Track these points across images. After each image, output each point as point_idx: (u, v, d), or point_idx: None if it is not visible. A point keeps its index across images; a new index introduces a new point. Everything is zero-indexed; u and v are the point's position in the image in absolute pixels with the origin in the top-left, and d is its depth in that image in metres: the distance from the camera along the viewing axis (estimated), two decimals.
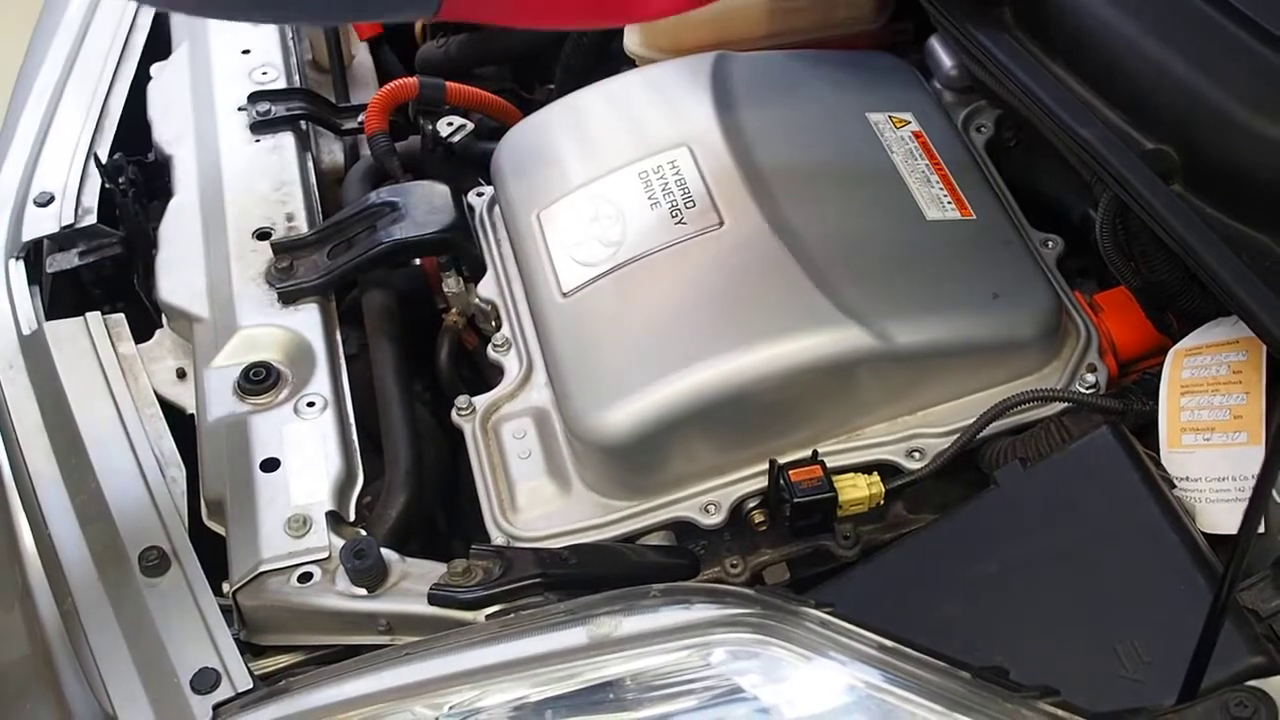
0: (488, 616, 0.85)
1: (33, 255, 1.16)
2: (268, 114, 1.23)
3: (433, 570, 0.89)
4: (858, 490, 0.93)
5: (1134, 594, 0.82)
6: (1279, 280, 0.83)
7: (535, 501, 0.96)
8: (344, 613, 0.89)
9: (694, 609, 0.76)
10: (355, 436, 0.99)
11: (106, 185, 1.19)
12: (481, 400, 1.01)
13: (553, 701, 0.75)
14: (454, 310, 1.13)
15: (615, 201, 1.02)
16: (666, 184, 1.01)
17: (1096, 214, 0.98)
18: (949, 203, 1.01)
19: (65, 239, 1.16)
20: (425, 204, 1.10)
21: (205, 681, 0.84)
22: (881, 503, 0.94)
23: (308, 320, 1.05)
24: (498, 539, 0.94)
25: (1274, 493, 0.82)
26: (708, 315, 0.95)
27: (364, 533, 0.93)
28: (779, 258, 0.95)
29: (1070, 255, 1.07)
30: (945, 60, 1.20)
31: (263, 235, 1.12)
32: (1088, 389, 0.97)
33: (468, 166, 1.22)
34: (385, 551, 0.89)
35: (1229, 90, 0.89)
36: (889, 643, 0.73)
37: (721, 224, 0.98)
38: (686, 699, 0.74)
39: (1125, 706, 0.73)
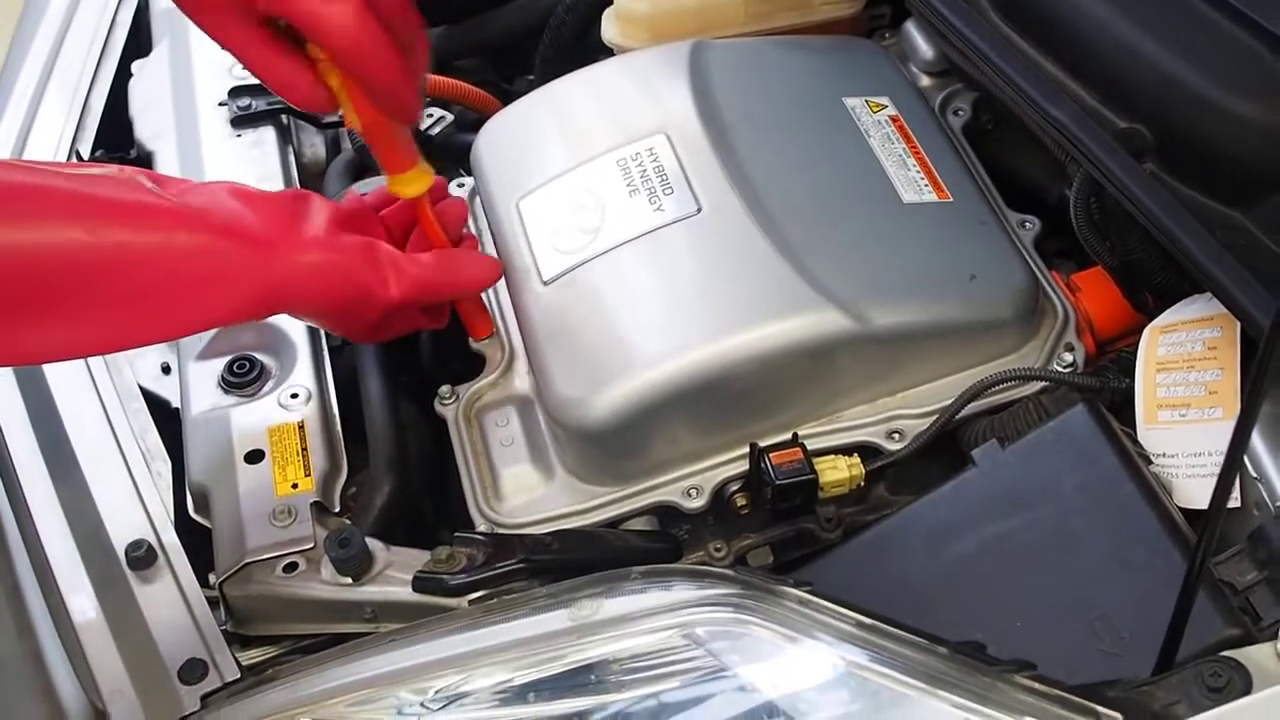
0: (471, 602, 0.85)
1: None
2: (249, 108, 1.23)
3: (417, 558, 0.89)
4: (838, 472, 0.93)
5: (1111, 569, 0.83)
6: (1252, 257, 0.84)
7: (518, 489, 0.97)
8: (329, 601, 0.89)
9: (674, 590, 0.77)
10: (339, 427, 1.00)
11: None
12: (464, 389, 1.02)
13: (536, 684, 0.75)
14: None
15: (594, 189, 1.02)
16: (645, 171, 1.02)
17: (1070, 194, 0.99)
18: (926, 186, 1.02)
19: None
20: None
21: (193, 672, 0.84)
22: (862, 484, 0.94)
23: None
24: (481, 526, 0.95)
25: (1249, 467, 0.83)
26: (687, 301, 0.96)
27: (349, 522, 0.93)
28: (757, 243, 0.96)
29: (1050, 236, 1.08)
30: (921, 44, 1.20)
31: None
32: (1065, 368, 0.98)
33: (448, 158, 1.23)
34: (370, 540, 0.90)
35: (1199, 68, 0.89)
36: (867, 620, 0.73)
37: (699, 210, 0.98)
38: (669, 680, 0.74)
39: (1102, 679, 0.74)
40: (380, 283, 0.90)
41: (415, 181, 0.93)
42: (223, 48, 0.84)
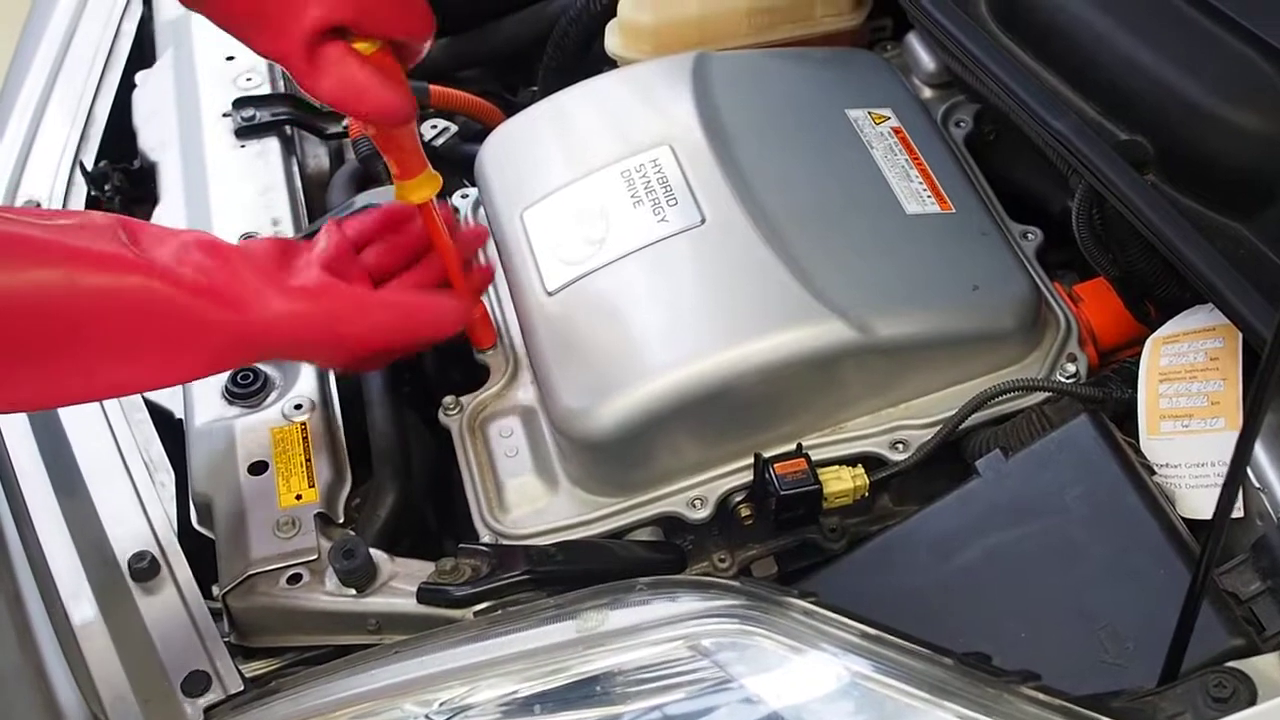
0: (476, 613, 0.85)
1: None
2: (252, 119, 1.23)
3: (421, 569, 0.89)
4: (842, 483, 0.93)
5: (1115, 579, 0.83)
6: (1253, 267, 0.84)
7: (523, 499, 0.97)
8: (333, 613, 0.89)
9: (679, 601, 0.77)
10: (343, 439, 1.00)
11: (92, 192, 1.20)
12: (468, 400, 1.02)
13: (541, 696, 0.75)
14: None
15: (598, 200, 1.03)
16: (649, 182, 1.02)
17: (1072, 205, 0.99)
18: (928, 197, 1.02)
19: None
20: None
21: (196, 685, 0.84)
22: (866, 495, 0.94)
23: None
24: (486, 537, 0.95)
25: (1252, 477, 0.83)
26: (691, 311, 0.96)
27: (353, 534, 0.93)
28: (760, 253, 0.96)
29: (1052, 248, 1.08)
30: (924, 56, 1.21)
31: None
32: (1068, 378, 0.98)
33: (452, 169, 1.23)
34: (374, 552, 0.90)
35: (1198, 79, 0.90)
36: (872, 631, 0.74)
37: (703, 221, 0.99)
38: (674, 691, 0.74)
39: (1106, 690, 0.74)
40: (347, 330, 0.91)
41: (423, 187, 0.94)
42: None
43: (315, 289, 0.90)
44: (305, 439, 0.98)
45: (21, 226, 0.80)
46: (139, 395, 1.04)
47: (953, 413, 0.96)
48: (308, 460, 0.97)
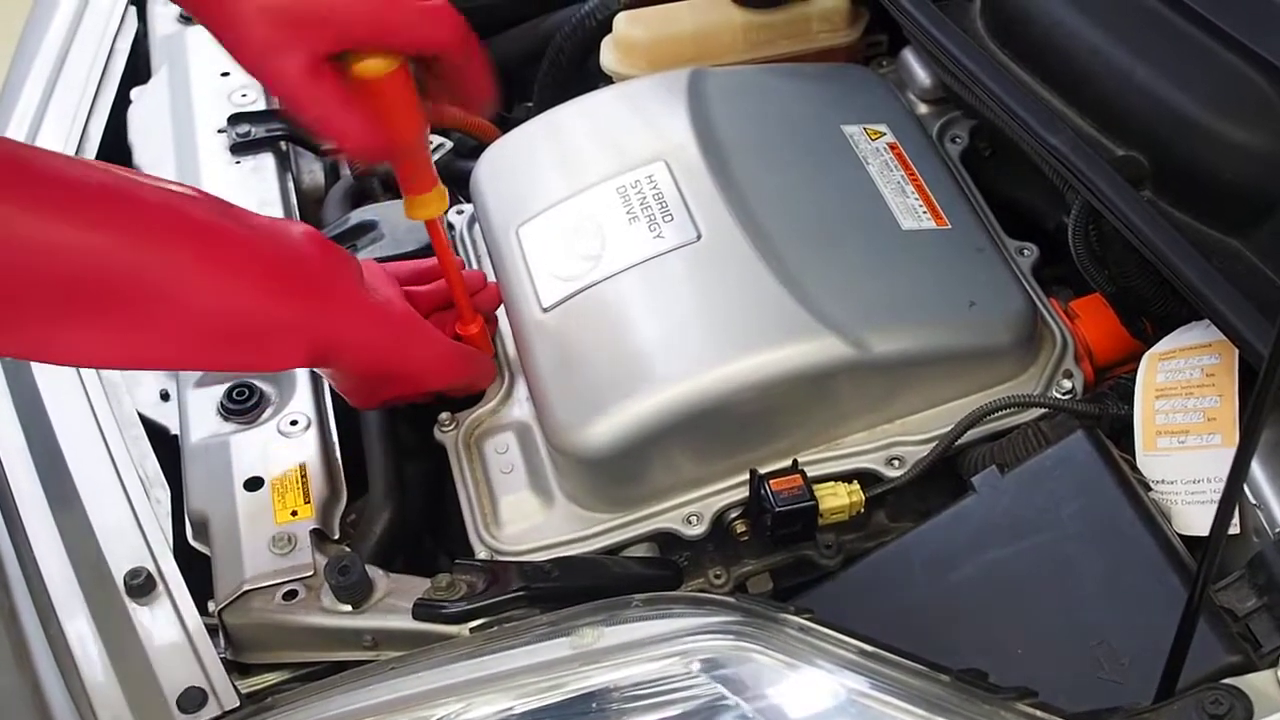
0: (471, 630, 0.85)
1: None
2: (248, 135, 1.23)
3: (417, 585, 0.89)
4: (838, 499, 0.93)
5: (1111, 596, 0.83)
6: (1250, 284, 0.84)
7: (518, 515, 0.97)
8: (329, 629, 0.89)
9: (675, 618, 0.77)
10: (339, 454, 1.00)
11: None
12: (464, 416, 1.02)
13: (537, 713, 0.75)
14: None
15: (594, 216, 1.03)
16: (644, 198, 1.02)
17: (1069, 221, 0.99)
18: (924, 213, 1.02)
19: None
20: (405, 222, 1.11)
21: (192, 701, 0.84)
22: (862, 511, 0.94)
23: None
24: (481, 553, 0.95)
25: (1249, 493, 0.83)
26: (687, 328, 0.96)
27: (348, 549, 0.93)
28: (756, 269, 0.96)
29: (1048, 264, 1.08)
30: (919, 72, 1.21)
31: None
32: (1064, 394, 0.98)
33: (448, 185, 1.23)
34: (370, 568, 0.90)
35: (1193, 95, 0.90)
36: (868, 647, 0.74)
37: (699, 237, 0.99)
38: (670, 708, 0.74)
39: (1103, 706, 0.74)
40: (413, 357, 0.93)
41: (434, 203, 0.94)
42: (282, 98, 0.85)
43: (400, 310, 0.93)
44: (301, 455, 0.98)
45: (131, 185, 0.78)
46: (135, 410, 1.04)
47: (949, 429, 0.96)
48: (303, 476, 0.97)
